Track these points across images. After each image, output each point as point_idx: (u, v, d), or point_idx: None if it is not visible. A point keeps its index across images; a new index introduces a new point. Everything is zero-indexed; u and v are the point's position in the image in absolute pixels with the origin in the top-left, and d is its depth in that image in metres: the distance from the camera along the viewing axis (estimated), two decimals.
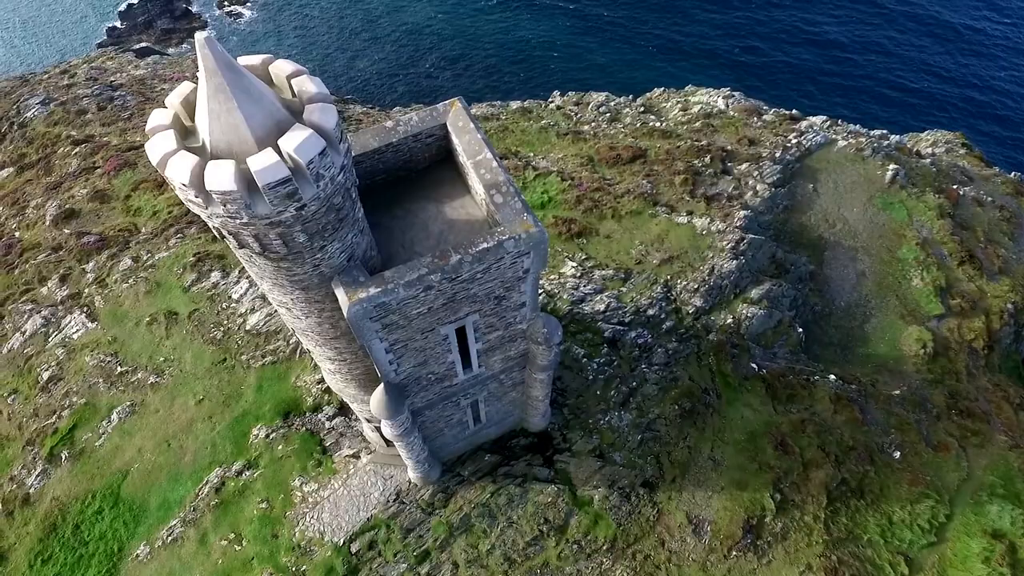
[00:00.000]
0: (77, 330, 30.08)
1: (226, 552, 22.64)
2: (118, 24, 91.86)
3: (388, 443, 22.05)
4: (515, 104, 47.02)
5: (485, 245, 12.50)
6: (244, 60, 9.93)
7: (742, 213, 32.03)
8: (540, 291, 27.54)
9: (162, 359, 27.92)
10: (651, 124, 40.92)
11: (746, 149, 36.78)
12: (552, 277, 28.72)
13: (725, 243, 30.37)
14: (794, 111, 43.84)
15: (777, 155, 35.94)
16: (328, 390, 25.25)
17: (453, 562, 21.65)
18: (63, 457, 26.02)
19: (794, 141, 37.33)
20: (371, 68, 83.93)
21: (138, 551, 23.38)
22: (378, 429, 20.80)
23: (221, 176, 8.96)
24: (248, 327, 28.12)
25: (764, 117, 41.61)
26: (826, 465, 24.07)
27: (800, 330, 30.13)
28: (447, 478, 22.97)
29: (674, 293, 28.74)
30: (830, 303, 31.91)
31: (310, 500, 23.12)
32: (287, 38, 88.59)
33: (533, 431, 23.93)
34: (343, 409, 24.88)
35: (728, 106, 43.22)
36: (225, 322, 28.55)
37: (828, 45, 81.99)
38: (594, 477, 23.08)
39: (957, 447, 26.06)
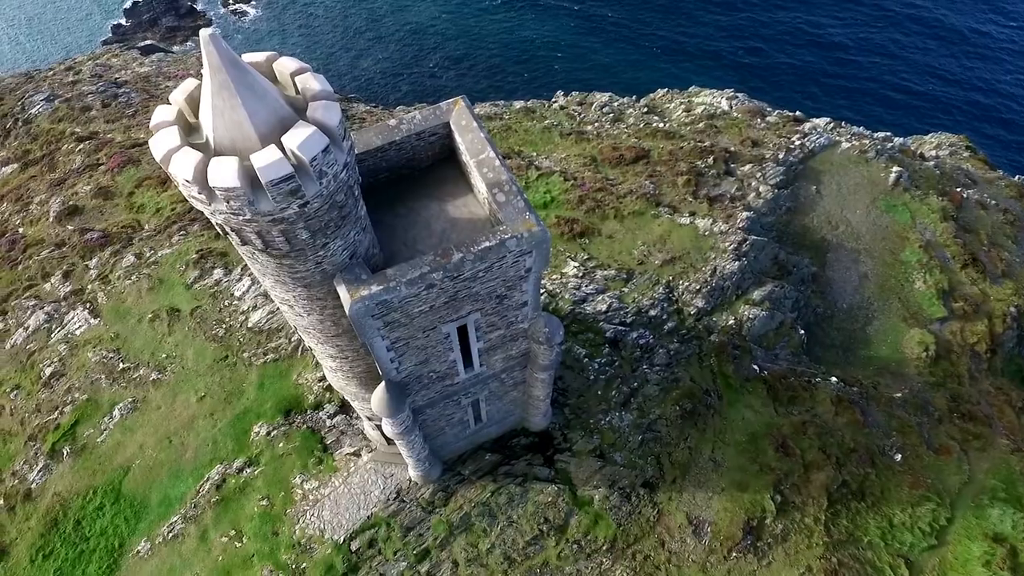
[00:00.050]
0: (80, 326, 30.16)
1: (226, 549, 22.68)
2: (123, 22, 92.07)
3: (389, 441, 22.07)
4: (518, 104, 47.01)
5: (487, 244, 12.50)
6: (248, 57, 9.95)
7: (745, 214, 32.00)
8: (542, 291, 27.56)
9: (164, 356, 27.98)
10: (654, 125, 40.89)
11: (749, 150, 36.74)
12: (554, 277, 28.73)
13: (727, 244, 30.34)
14: (798, 113, 43.76)
15: (780, 156, 35.89)
16: (329, 388, 25.28)
17: (453, 561, 21.67)
18: (65, 453, 26.09)
19: (797, 143, 37.27)
20: (375, 67, 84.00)
21: (139, 547, 23.43)
22: (379, 427, 20.81)
23: (224, 173, 8.98)
24: (250, 324, 28.17)
25: (768, 118, 41.55)
26: (827, 467, 24.04)
27: (802, 332, 30.10)
28: (448, 477, 22.99)
29: (676, 294, 28.73)
30: (832, 305, 31.86)
31: (311, 498, 23.15)
32: (291, 36, 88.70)
33: (534, 431, 23.94)
34: (344, 407, 24.91)
35: (731, 107, 43.17)
36: (227, 319, 28.61)
37: (832, 47, 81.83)
38: (594, 477, 23.09)
39: (959, 450, 26.01)
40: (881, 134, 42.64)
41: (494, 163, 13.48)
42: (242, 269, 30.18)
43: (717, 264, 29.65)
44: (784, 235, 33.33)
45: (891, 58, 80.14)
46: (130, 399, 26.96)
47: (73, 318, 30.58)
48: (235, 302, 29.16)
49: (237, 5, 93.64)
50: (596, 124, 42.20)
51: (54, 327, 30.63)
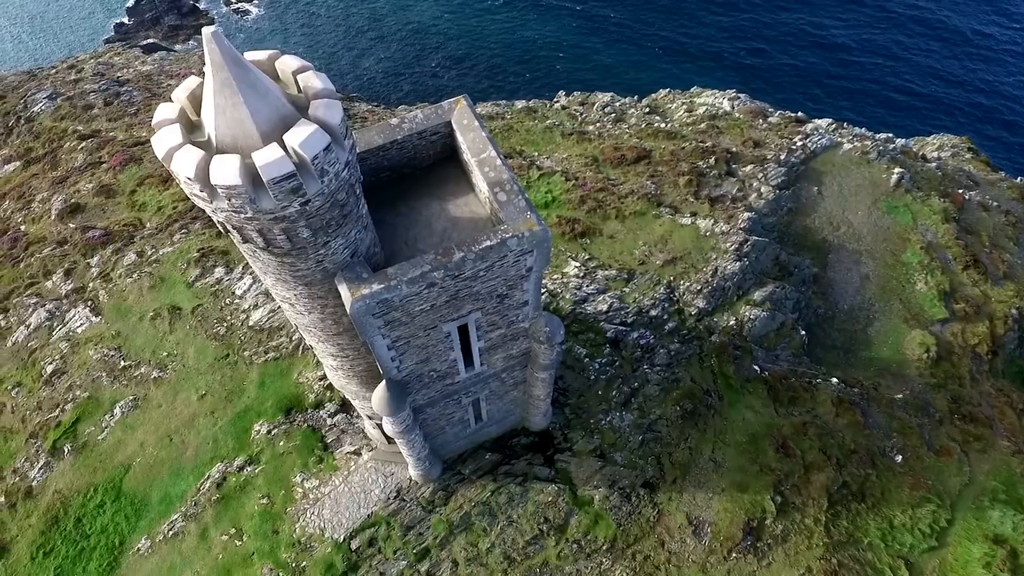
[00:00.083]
0: (81, 324, 30.20)
1: (227, 547, 22.70)
2: (125, 20, 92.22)
3: (389, 440, 22.09)
4: (520, 104, 47.03)
5: (488, 243, 12.51)
6: (250, 55, 9.96)
7: (746, 215, 31.99)
8: (543, 290, 27.55)
9: (165, 354, 28.01)
10: (656, 125, 40.88)
11: (751, 151, 36.73)
12: (555, 277, 28.73)
13: (729, 245, 30.33)
14: (800, 113, 43.73)
15: (782, 157, 35.87)
16: (330, 387, 25.30)
17: (453, 560, 21.67)
18: (66, 450, 26.13)
19: (799, 143, 37.25)
20: (377, 67, 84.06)
21: (139, 545, 23.46)
22: (379, 426, 20.82)
23: (226, 170, 8.99)
24: (251, 323, 28.20)
25: (769, 119, 41.53)
26: (827, 468, 24.03)
27: (803, 333, 30.08)
28: (448, 476, 23.00)
29: (677, 294, 28.72)
30: (833, 306, 31.85)
31: (311, 496, 23.17)
32: (293, 36, 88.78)
33: (534, 430, 23.94)
34: (345, 406, 24.93)
35: (733, 108, 43.15)
36: (228, 318, 28.64)
37: (834, 48, 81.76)
38: (595, 477, 23.08)
39: (959, 452, 25.99)
40: (883, 135, 42.58)
41: (495, 162, 13.48)
42: (243, 268, 30.21)
43: (718, 264, 29.64)
44: (785, 236, 33.32)
45: (893, 59, 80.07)
46: (131, 397, 27.00)
47: (74, 316, 30.62)
48: (236, 300, 29.19)
49: (239, 4, 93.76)
50: (598, 124, 42.19)
51: (55, 325, 30.67)
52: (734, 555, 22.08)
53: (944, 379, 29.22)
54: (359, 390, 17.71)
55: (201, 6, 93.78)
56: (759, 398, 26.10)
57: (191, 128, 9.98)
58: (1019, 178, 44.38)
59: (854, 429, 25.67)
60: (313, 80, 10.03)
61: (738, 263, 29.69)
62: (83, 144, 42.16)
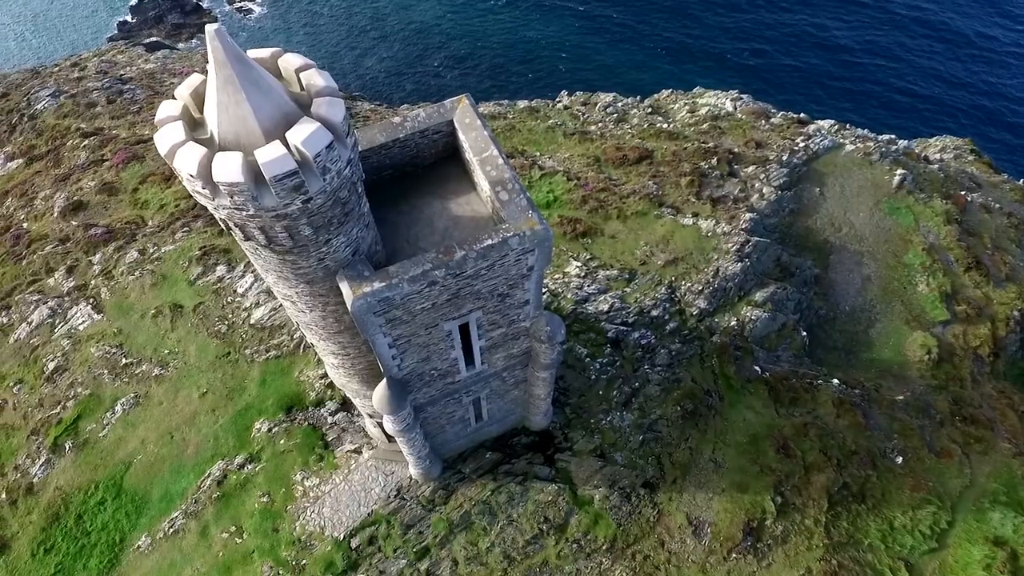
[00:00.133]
0: (83, 321, 30.25)
1: (227, 545, 22.74)
2: (129, 18, 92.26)
3: (390, 439, 22.10)
4: (522, 103, 47.05)
5: (490, 242, 12.52)
6: (253, 53, 9.97)
7: (748, 216, 31.97)
8: (544, 290, 27.57)
9: (167, 351, 28.05)
10: (658, 125, 40.87)
11: (753, 152, 36.71)
12: (556, 276, 28.74)
13: (730, 245, 30.32)
14: (802, 115, 43.70)
15: (784, 158, 35.85)
16: (331, 385, 25.33)
17: (453, 559, 21.69)
18: (67, 447, 26.17)
19: (801, 145, 37.23)
20: (379, 66, 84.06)
21: (140, 542, 23.50)
22: (380, 425, 20.83)
23: (228, 168, 9.00)
24: (253, 321, 28.24)
25: (772, 120, 41.51)
26: (828, 469, 24.02)
27: (804, 334, 30.06)
28: (448, 475, 23.02)
29: (678, 294, 28.72)
30: (835, 307, 31.82)
31: (311, 495, 23.19)
32: (296, 35, 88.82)
33: (535, 430, 23.95)
34: (345, 404, 24.95)
35: (736, 108, 43.14)
36: (230, 316, 28.67)
37: (837, 49, 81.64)
38: (595, 477, 23.09)
39: (960, 453, 25.96)
40: (885, 137, 42.57)
41: (497, 161, 13.49)
42: (245, 266, 30.24)
43: (719, 265, 29.63)
44: (787, 237, 33.30)
45: (896, 61, 79.95)
46: (132, 394, 27.04)
47: (76, 313, 30.68)
48: (238, 299, 29.22)
49: (242, 3, 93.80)
50: (600, 124, 42.19)
51: (57, 322, 30.73)
52: (734, 555, 22.08)
53: (945, 381, 29.19)
54: (360, 388, 17.73)
55: (204, 4, 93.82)
56: (760, 399, 26.10)
57: (194, 125, 9.99)
58: (1021, 180, 44.31)
59: (855, 430, 25.65)
60: (316, 78, 10.03)
61: (739, 264, 29.68)
62: (86, 142, 42.22)
